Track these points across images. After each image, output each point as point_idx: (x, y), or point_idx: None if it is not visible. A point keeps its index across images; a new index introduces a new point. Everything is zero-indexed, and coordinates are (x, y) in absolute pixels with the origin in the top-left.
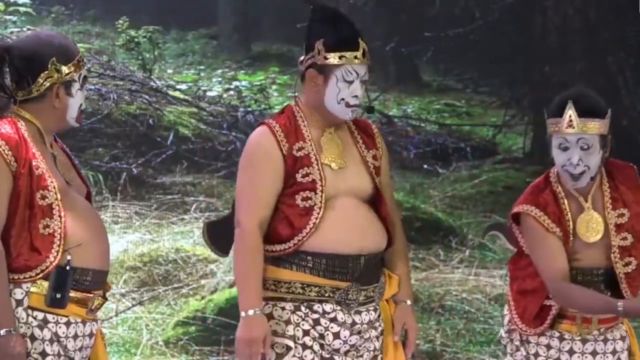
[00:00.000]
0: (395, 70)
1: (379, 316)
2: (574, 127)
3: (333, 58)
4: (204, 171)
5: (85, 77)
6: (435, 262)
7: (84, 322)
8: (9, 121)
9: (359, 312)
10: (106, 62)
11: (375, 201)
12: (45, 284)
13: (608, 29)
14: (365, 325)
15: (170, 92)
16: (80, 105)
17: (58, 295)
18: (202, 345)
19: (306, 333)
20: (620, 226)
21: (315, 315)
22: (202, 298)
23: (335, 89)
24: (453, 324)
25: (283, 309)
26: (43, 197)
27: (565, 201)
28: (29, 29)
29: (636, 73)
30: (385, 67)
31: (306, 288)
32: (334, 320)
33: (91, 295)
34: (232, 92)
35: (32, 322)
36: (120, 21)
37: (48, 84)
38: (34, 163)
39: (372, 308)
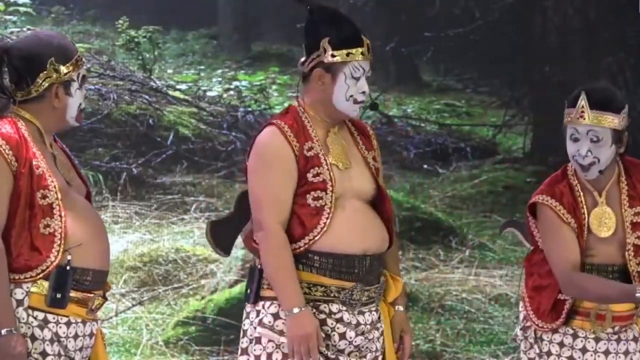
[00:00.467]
0: (395, 70)
1: (379, 317)
2: (584, 119)
3: (340, 56)
4: (204, 171)
5: (84, 76)
6: (435, 262)
7: (84, 322)
8: (9, 121)
9: (362, 313)
10: (106, 62)
11: (377, 202)
12: (46, 284)
13: (608, 29)
14: (368, 326)
15: (170, 92)
16: (80, 104)
17: (58, 295)
18: (202, 345)
19: None
20: (637, 224)
21: (322, 316)
22: (202, 298)
23: (344, 86)
24: (453, 324)
25: (306, 304)
26: (43, 197)
27: (582, 194)
28: (29, 29)
29: (636, 73)
30: (385, 67)
31: (312, 288)
32: (340, 320)
33: (91, 295)
34: (232, 92)
35: (32, 322)
36: (120, 21)
37: (47, 84)
38: (34, 163)
39: (374, 309)
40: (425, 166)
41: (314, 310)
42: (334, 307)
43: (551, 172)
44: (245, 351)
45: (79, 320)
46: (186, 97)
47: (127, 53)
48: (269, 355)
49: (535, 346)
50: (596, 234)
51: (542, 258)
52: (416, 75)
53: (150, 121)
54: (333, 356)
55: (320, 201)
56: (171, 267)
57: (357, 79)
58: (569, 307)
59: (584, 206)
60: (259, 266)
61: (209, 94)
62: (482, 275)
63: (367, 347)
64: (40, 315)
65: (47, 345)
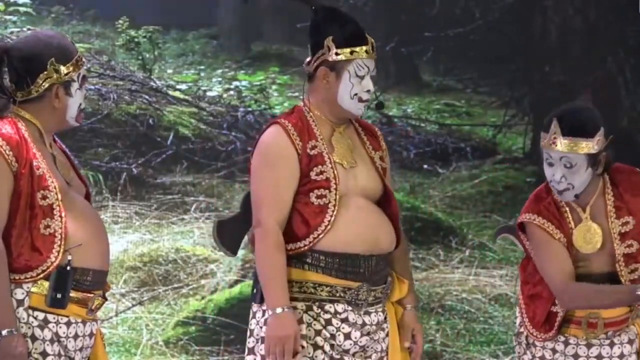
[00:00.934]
0: (395, 70)
1: (385, 318)
2: (557, 145)
3: (344, 54)
4: (204, 171)
5: (84, 76)
6: (435, 262)
7: (84, 322)
8: (9, 121)
9: (369, 313)
10: (106, 62)
11: (384, 201)
12: (46, 284)
13: (608, 29)
14: (374, 327)
15: (170, 92)
16: (80, 104)
17: (58, 296)
18: (202, 345)
19: (318, 333)
20: (625, 234)
21: (327, 316)
22: (202, 298)
23: (349, 85)
24: (453, 324)
25: (295, 308)
26: (44, 197)
27: (567, 209)
28: (29, 29)
29: (636, 73)
30: (385, 67)
31: (318, 288)
32: (345, 320)
33: (91, 295)
34: (232, 92)
35: (32, 322)
36: (120, 21)
37: (47, 85)
38: (34, 163)
39: (380, 309)
40: (425, 166)
41: (320, 311)
42: (340, 307)
43: None
44: (252, 351)
45: (79, 320)
46: (186, 97)
47: (127, 53)
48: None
49: (528, 352)
50: (581, 251)
51: (535, 266)
52: (416, 75)
53: (150, 121)
54: (338, 356)
55: (324, 199)
56: (171, 267)
57: (362, 77)
58: (561, 319)
59: (571, 222)
60: None
61: (209, 94)
62: (482, 275)
63: (372, 348)
64: (41, 316)
65: (48, 345)
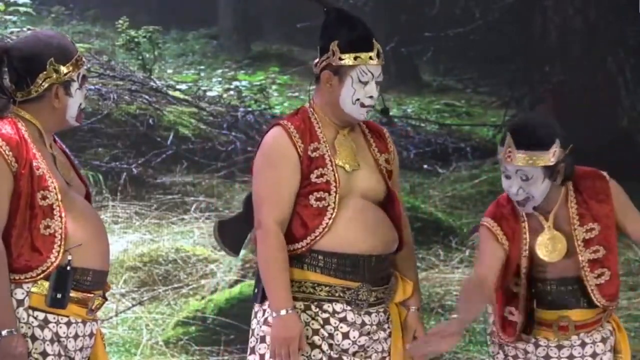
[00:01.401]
0: (395, 70)
1: (388, 318)
2: (511, 159)
3: (348, 59)
4: (204, 171)
5: (84, 76)
6: (435, 262)
7: (84, 322)
8: (9, 121)
9: (369, 313)
10: (106, 62)
11: (387, 203)
12: (46, 284)
13: (608, 29)
14: (374, 327)
15: (170, 92)
16: (80, 104)
17: (59, 296)
18: (202, 345)
19: (315, 332)
20: (590, 240)
21: (325, 315)
22: (202, 298)
23: (351, 90)
24: None
25: (293, 307)
26: (44, 198)
27: (526, 220)
28: (29, 29)
29: (636, 73)
30: (386, 67)
31: (317, 287)
32: (343, 320)
33: (91, 295)
34: (232, 92)
35: (32, 322)
36: (120, 21)
37: (47, 85)
38: (34, 163)
39: (381, 309)
40: (425, 166)
41: (318, 310)
42: (338, 307)
43: None
44: (253, 350)
45: (79, 320)
46: (186, 97)
47: (127, 53)
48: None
49: (501, 351)
50: (546, 260)
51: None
52: (416, 75)
53: (150, 121)
54: (336, 356)
55: (323, 202)
56: (171, 267)
57: (365, 83)
58: (520, 326)
59: (526, 233)
60: None
61: (209, 94)
62: None
63: (372, 348)
64: (41, 316)
65: (48, 345)
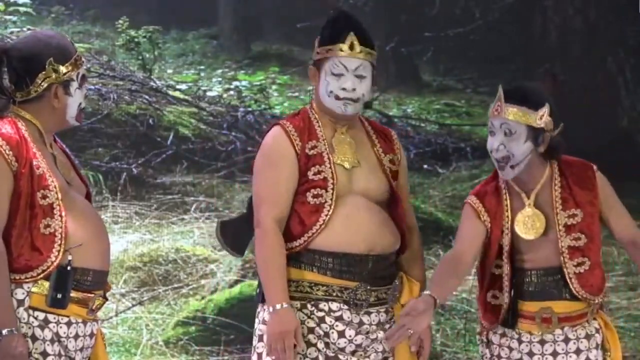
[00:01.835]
0: (395, 70)
1: (391, 318)
2: (498, 112)
3: (321, 52)
4: (204, 171)
5: (83, 76)
6: (435, 262)
7: (84, 322)
8: (9, 121)
9: (369, 313)
10: (106, 62)
11: (389, 203)
12: (46, 284)
13: (608, 29)
14: (374, 326)
15: (170, 92)
16: (80, 104)
17: (59, 296)
18: (202, 345)
19: (311, 331)
20: (571, 227)
21: (321, 314)
22: (202, 298)
23: (325, 82)
24: (453, 324)
25: (290, 306)
26: (44, 197)
27: (508, 197)
28: (29, 29)
29: (636, 73)
30: (385, 67)
31: (314, 287)
32: (339, 319)
33: (92, 295)
34: (232, 92)
35: (33, 322)
36: (120, 21)
37: (46, 85)
38: (34, 163)
39: (383, 310)
40: (425, 166)
41: (314, 309)
42: (334, 306)
43: None
44: (254, 349)
45: (80, 320)
46: (186, 97)
47: (127, 53)
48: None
49: (487, 350)
50: (522, 237)
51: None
52: (416, 75)
53: (150, 121)
54: (332, 354)
55: (320, 199)
56: (171, 267)
57: (337, 75)
58: (504, 311)
59: (508, 209)
60: None
61: (209, 94)
62: None
63: (372, 347)
64: (41, 316)
65: (48, 345)
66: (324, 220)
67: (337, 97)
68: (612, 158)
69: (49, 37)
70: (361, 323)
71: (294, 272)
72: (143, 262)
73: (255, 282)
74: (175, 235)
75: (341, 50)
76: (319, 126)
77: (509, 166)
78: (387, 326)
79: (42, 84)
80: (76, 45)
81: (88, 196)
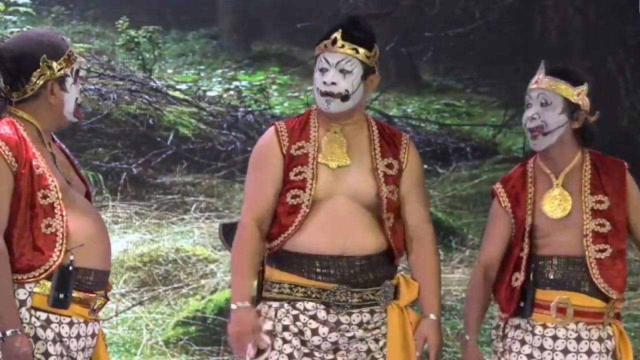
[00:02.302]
0: (395, 70)
1: (383, 320)
2: (537, 84)
3: (316, 51)
4: (204, 171)
5: (77, 71)
6: None
7: (86, 323)
8: (8, 122)
9: (350, 314)
10: (106, 62)
11: (379, 208)
12: (48, 284)
13: (608, 29)
14: (354, 326)
15: (170, 92)
16: (76, 99)
17: (61, 296)
18: (202, 345)
19: (285, 328)
20: (598, 212)
21: (295, 312)
22: (202, 298)
23: (314, 79)
24: (453, 324)
25: (270, 306)
26: (44, 197)
27: (534, 180)
28: (28, 29)
29: (636, 73)
30: (385, 67)
31: (293, 289)
32: (313, 317)
33: (93, 295)
34: (232, 92)
35: (35, 322)
36: (120, 21)
37: (42, 82)
38: (34, 162)
39: (367, 310)
40: (425, 166)
41: (290, 307)
42: (309, 305)
43: None
44: None
45: (82, 320)
46: (186, 97)
47: (127, 53)
48: (248, 351)
49: (501, 344)
50: (548, 215)
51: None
52: (416, 75)
53: (150, 121)
54: (307, 351)
55: (298, 199)
56: (171, 267)
57: (322, 70)
58: (519, 292)
59: (532, 190)
60: (260, 268)
61: (209, 94)
62: None
63: (354, 347)
64: (43, 316)
65: (50, 345)
66: (299, 221)
67: (321, 93)
68: (606, 156)
69: (40, 35)
70: (339, 323)
71: (276, 274)
72: (143, 262)
73: (255, 282)
74: (175, 235)
75: (325, 46)
76: (314, 126)
77: (542, 134)
78: (370, 326)
79: (37, 82)
80: (76, 45)
81: (88, 195)
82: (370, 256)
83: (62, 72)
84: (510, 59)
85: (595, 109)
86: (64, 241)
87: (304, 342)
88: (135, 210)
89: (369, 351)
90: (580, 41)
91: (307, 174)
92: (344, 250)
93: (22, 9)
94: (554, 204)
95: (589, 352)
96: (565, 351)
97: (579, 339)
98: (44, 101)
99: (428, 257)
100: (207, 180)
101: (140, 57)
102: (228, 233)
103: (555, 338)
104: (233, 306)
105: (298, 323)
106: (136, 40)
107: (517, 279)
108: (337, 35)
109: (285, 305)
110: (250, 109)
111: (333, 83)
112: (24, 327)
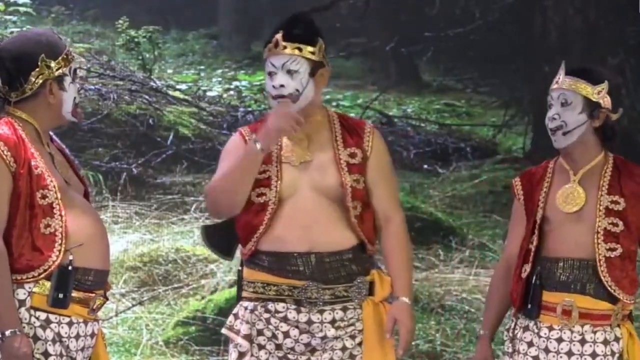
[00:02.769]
0: (395, 70)
1: (358, 317)
2: (558, 84)
3: (263, 55)
4: (204, 171)
5: (76, 70)
6: (435, 262)
7: (85, 322)
8: (6, 122)
9: (321, 312)
10: (106, 62)
11: (344, 199)
12: (48, 284)
13: (608, 29)
14: (327, 324)
15: (170, 92)
16: (75, 98)
17: (60, 296)
18: (202, 345)
19: (260, 332)
20: (612, 211)
21: (267, 315)
22: (202, 298)
23: (265, 83)
24: (453, 324)
25: (246, 308)
26: (43, 197)
27: (551, 175)
28: (28, 29)
29: (636, 73)
30: (385, 67)
31: (266, 287)
32: (284, 319)
33: (93, 295)
34: (232, 92)
35: (34, 322)
36: (120, 21)
37: (41, 81)
38: (32, 163)
39: (339, 307)
40: (425, 166)
41: (262, 310)
42: (280, 306)
43: None
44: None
45: (81, 320)
46: (186, 97)
47: (127, 53)
48: (230, 354)
49: (510, 344)
50: (560, 208)
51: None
52: (416, 75)
53: (150, 121)
54: (282, 354)
55: (264, 197)
56: (171, 267)
57: (271, 74)
58: (528, 292)
59: (548, 183)
60: (239, 268)
61: (209, 94)
62: (482, 275)
63: (330, 345)
64: (43, 316)
65: (50, 345)
66: (268, 219)
67: (272, 96)
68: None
69: (37, 35)
70: (310, 322)
71: (249, 273)
72: (143, 262)
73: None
74: (175, 235)
75: (270, 50)
76: None
77: (561, 133)
78: (343, 324)
79: (36, 81)
80: (76, 45)
81: (86, 195)
82: (339, 252)
83: (60, 71)
84: (510, 59)
85: (618, 107)
86: (63, 241)
87: (278, 346)
88: (135, 210)
89: (344, 348)
90: (580, 41)
91: (271, 172)
92: (312, 246)
93: (22, 9)
94: (567, 198)
95: (594, 355)
96: (570, 353)
97: (583, 342)
98: (42, 101)
99: (398, 242)
100: (207, 180)
101: (140, 57)
102: (210, 235)
103: (560, 340)
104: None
105: (270, 326)
106: (136, 40)
107: (525, 270)
108: (279, 37)
109: (258, 307)
110: (250, 109)
111: (282, 85)
112: (24, 327)
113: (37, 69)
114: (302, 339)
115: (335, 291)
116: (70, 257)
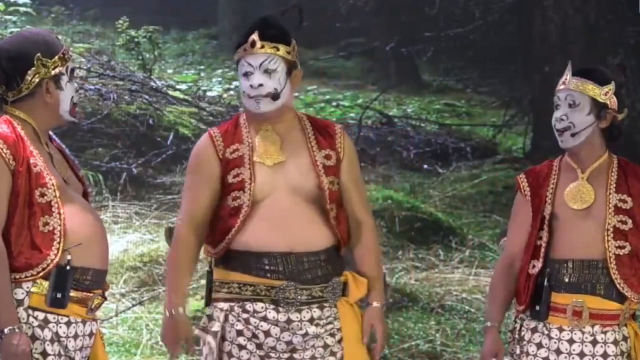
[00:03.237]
0: (395, 70)
1: (335, 315)
2: (565, 85)
3: (236, 56)
4: None
5: (73, 69)
6: (435, 262)
7: (84, 322)
8: (5, 120)
9: (299, 311)
10: (106, 62)
11: (321, 200)
12: (46, 283)
13: (608, 29)
14: (305, 322)
15: (170, 92)
16: (72, 97)
17: (58, 295)
18: None
19: (239, 333)
20: (620, 209)
21: (246, 315)
22: (202, 298)
23: (240, 84)
24: (453, 324)
25: (221, 309)
26: (42, 195)
27: (557, 172)
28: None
29: (636, 73)
30: (385, 67)
31: (242, 287)
32: (264, 319)
33: (91, 294)
34: (232, 92)
35: (32, 322)
36: (120, 21)
37: (37, 80)
38: (31, 161)
39: (316, 306)
40: (425, 166)
41: (240, 310)
42: (258, 306)
43: None
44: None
45: (79, 320)
46: (186, 97)
47: (127, 53)
48: (206, 356)
49: (517, 346)
50: (569, 205)
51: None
52: (416, 75)
53: (150, 121)
54: (263, 354)
55: (239, 200)
56: None
57: (246, 74)
58: (537, 293)
59: (555, 180)
60: (208, 269)
61: (209, 94)
62: (482, 275)
63: (310, 344)
64: (41, 315)
65: (48, 345)
66: (241, 221)
67: (249, 96)
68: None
69: (34, 34)
70: (289, 321)
71: (223, 274)
72: (143, 262)
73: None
74: None
75: (245, 50)
76: (245, 128)
77: (569, 134)
78: (322, 322)
79: (32, 80)
80: (76, 45)
81: (85, 195)
82: (318, 252)
83: (57, 70)
84: (510, 59)
85: (624, 106)
86: (62, 239)
87: (259, 346)
88: (135, 210)
89: (325, 346)
90: (580, 41)
91: (244, 174)
92: (292, 247)
93: (22, 9)
94: (576, 196)
95: (605, 355)
96: (582, 354)
97: (594, 342)
98: (39, 100)
99: (369, 247)
100: None
101: (140, 57)
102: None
103: (571, 341)
104: (167, 313)
105: (250, 326)
106: (136, 40)
107: (534, 266)
108: (255, 37)
109: (236, 307)
110: None
111: (260, 85)
112: (22, 326)
113: (34, 68)
114: (283, 337)
115: (312, 292)
116: (69, 257)
